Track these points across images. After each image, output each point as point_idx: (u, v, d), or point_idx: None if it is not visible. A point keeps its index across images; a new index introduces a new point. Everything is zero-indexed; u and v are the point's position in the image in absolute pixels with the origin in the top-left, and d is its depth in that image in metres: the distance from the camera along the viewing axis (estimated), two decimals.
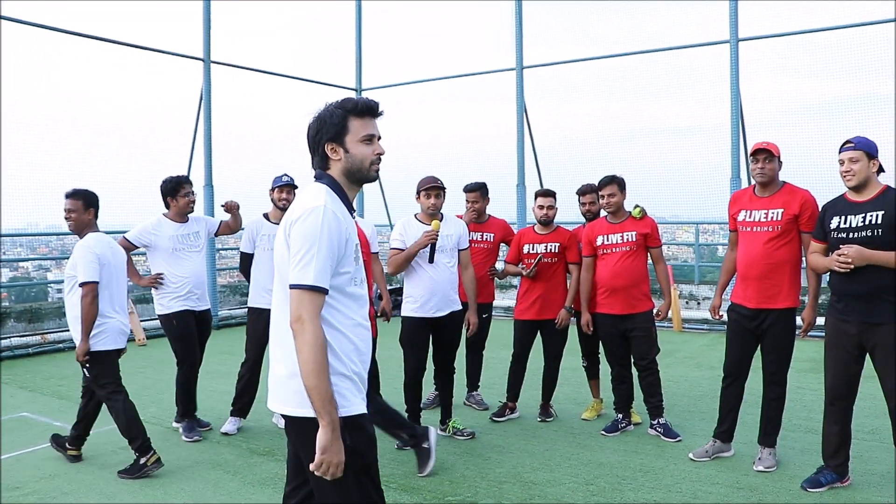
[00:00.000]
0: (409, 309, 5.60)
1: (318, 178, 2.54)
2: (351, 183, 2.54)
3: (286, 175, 6.11)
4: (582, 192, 6.30)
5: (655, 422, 5.70)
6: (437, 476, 4.86)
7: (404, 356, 5.65)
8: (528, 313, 6.14)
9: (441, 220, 5.57)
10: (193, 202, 5.95)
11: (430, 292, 5.52)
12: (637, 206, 5.75)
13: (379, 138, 2.56)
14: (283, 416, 2.47)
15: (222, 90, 11.68)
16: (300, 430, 2.41)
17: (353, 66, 14.34)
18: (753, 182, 4.96)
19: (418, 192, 5.60)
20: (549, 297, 6.10)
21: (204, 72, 11.42)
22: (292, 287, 2.29)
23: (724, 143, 10.60)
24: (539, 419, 6.16)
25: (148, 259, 5.97)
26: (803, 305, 4.77)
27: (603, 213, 5.91)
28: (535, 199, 6.20)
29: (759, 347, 4.96)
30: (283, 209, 6.01)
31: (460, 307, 5.72)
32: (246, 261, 6.05)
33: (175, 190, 5.90)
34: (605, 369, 6.16)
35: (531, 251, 6.13)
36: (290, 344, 2.33)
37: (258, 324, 5.89)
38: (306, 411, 2.33)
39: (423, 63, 14.23)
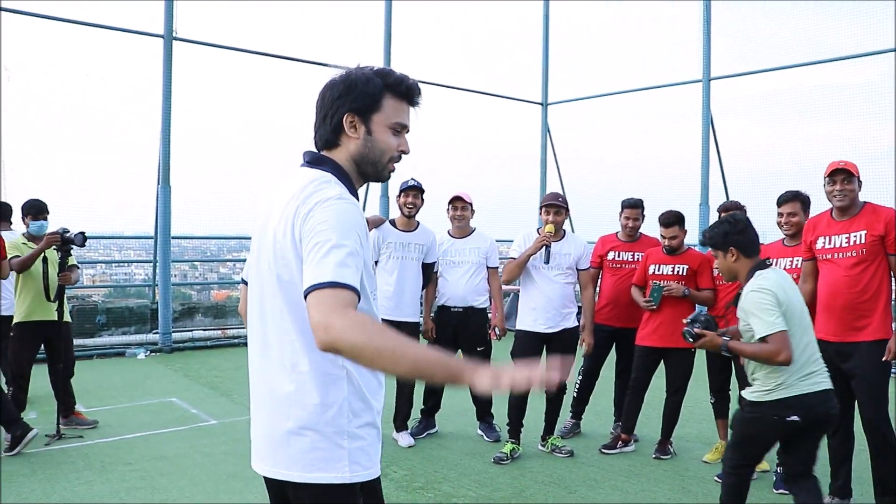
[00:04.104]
0: (522, 323, 5.63)
1: (314, 162, 1.99)
2: (358, 175, 2.03)
3: None
4: (630, 205, 6.05)
5: (780, 468, 4.99)
6: (510, 502, 4.63)
7: None
8: (650, 339, 5.68)
9: (564, 236, 5.63)
10: None
11: (541, 307, 5.54)
12: None
13: (408, 132, 2.06)
14: (289, 482, 1.96)
15: (191, 73, 10.30)
16: (315, 500, 1.94)
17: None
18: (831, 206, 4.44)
19: (541, 208, 5.63)
20: (674, 323, 5.52)
21: (164, 49, 9.87)
22: (310, 290, 1.69)
23: None
24: (654, 456, 5.66)
25: None
26: None
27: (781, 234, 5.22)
28: (623, 210, 6.00)
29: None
30: (409, 216, 5.89)
31: (573, 324, 5.62)
32: None
33: None
34: None
35: (657, 272, 5.70)
36: (297, 388, 1.89)
37: None
38: (322, 475, 1.90)
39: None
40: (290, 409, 1.90)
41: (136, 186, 11.00)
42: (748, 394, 3.74)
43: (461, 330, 6.01)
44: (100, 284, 12.44)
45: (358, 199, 2.01)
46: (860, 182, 4.34)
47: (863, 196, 4.44)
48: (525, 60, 14.37)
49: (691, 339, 3.93)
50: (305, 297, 1.70)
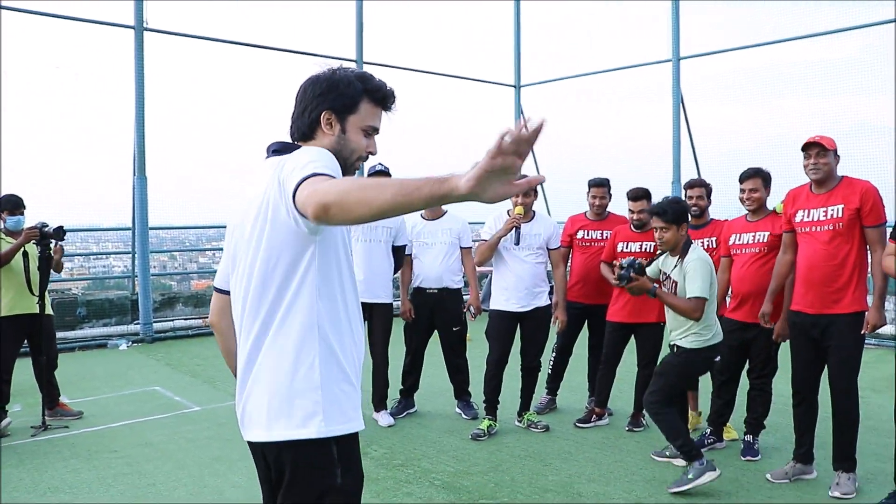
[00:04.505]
0: (496, 303, 5.77)
1: (281, 150, 2.06)
2: None
3: None
4: (597, 183, 6.26)
5: (749, 437, 5.24)
6: (486, 476, 4.79)
7: (489, 348, 5.81)
8: (620, 315, 5.84)
9: (533, 217, 5.74)
10: None
11: (512, 287, 5.68)
12: (783, 201, 5.25)
13: (377, 134, 2.20)
14: (270, 443, 2.05)
15: (164, 64, 10.41)
16: (295, 457, 2.02)
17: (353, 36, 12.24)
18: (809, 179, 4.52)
19: None
20: (643, 299, 5.67)
21: (135, 40, 9.85)
22: (294, 192, 1.77)
23: None
24: (627, 428, 5.85)
25: None
26: None
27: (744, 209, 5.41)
28: (590, 189, 6.23)
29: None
30: None
31: (545, 303, 5.77)
32: None
33: None
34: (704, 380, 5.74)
35: (625, 250, 5.86)
36: (271, 353, 2.01)
37: None
38: (297, 432, 1.99)
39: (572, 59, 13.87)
40: (264, 374, 2.02)
41: (112, 178, 11.01)
42: (687, 343, 4.69)
43: (437, 311, 6.15)
44: (78, 277, 12.41)
45: None
46: (837, 156, 4.42)
47: (839, 170, 4.50)
48: (497, 43, 14.46)
49: (625, 283, 4.74)
50: (294, 202, 1.77)
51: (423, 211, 6.21)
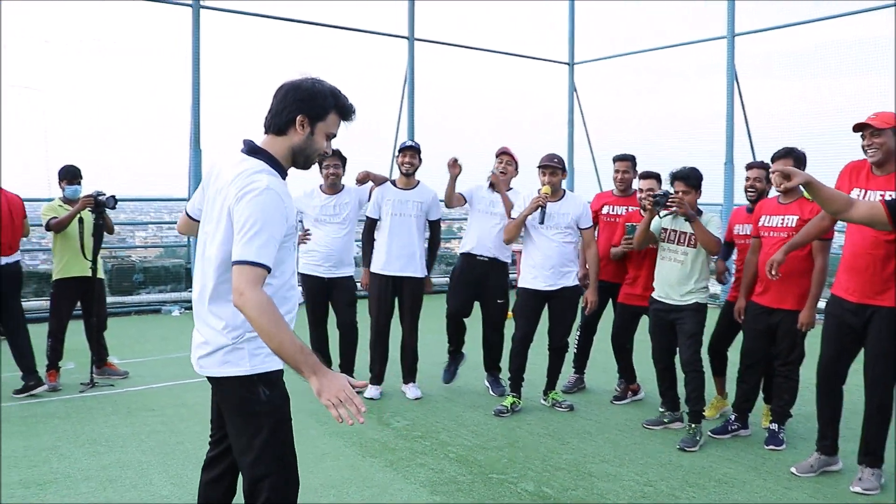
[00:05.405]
0: (523, 281, 5.83)
1: (252, 152, 2.55)
2: (291, 162, 2.62)
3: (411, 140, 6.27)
4: (621, 157, 6.25)
5: (774, 426, 5.16)
6: (501, 451, 4.89)
7: (515, 325, 5.86)
8: (633, 299, 5.83)
9: (563, 197, 5.75)
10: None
11: (539, 265, 5.73)
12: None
13: (334, 138, 2.66)
14: (212, 378, 2.63)
15: (220, 40, 10.81)
16: (222, 390, 2.63)
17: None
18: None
19: (538, 169, 5.77)
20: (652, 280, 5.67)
21: (193, 17, 10.31)
22: (239, 262, 2.32)
23: None
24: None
25: None
26: None
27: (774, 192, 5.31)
28: (614, 164, 6.30)
29: (861, 350, 4.34)
30: (407, 174, 6.08)
31: (573, 283, 5.78)
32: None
33: None
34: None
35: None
36: (211, 313, 2.52)
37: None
38: (229, 369, 2.55)
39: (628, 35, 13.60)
40: (206, 328, 2.57)
41: (178, 150, 11.43)
42: (702, 299, 5.27)
43: (483, 281, 6.17)
44: (151, 244, 13.00)
45: (286, 177, 2.60)
46: None
47: None
48: (551, 20, 14.31)
49: (660, 208, 5.14)
50: (233, 266, 2.32)
51: (491, 178, 6.18)
